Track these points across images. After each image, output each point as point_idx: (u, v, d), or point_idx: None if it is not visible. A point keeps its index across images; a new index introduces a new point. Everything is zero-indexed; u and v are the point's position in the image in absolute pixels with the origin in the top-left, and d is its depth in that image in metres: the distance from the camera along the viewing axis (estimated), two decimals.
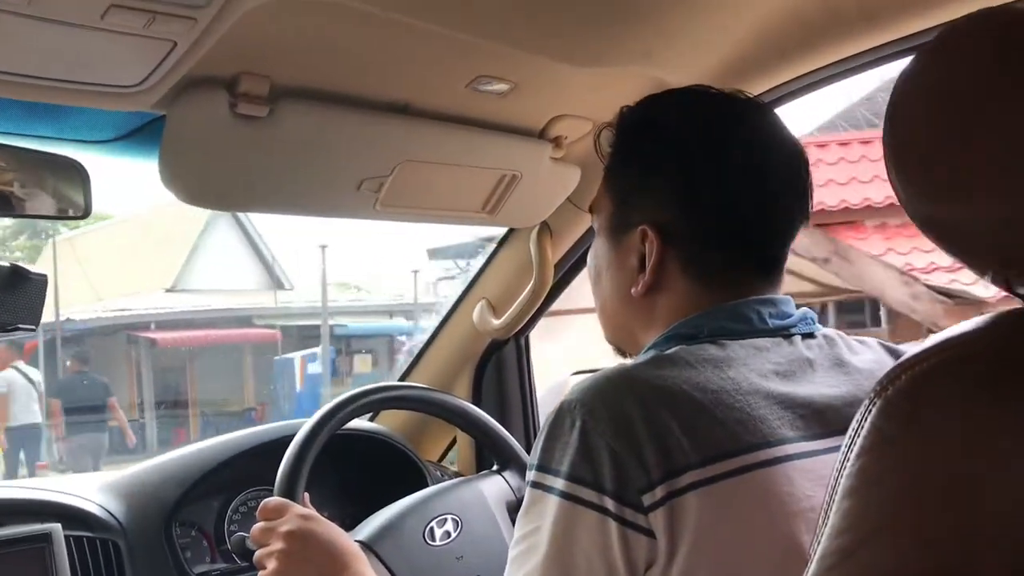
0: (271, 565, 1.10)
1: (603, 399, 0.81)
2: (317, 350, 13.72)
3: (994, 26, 0.65)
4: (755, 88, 1.28)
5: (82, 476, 1.65)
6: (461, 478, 1.54)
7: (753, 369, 0.85)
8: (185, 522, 1.47)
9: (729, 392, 0.82)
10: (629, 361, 0.90)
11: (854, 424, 0.61)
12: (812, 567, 0.61)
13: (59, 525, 1.28)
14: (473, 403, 1.66)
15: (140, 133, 1.14)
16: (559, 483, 0.79)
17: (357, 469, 1.64)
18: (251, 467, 1.50)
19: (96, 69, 0.93)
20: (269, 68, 1.07)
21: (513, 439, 1.47)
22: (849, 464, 0.60)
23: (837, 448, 0.81)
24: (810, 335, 0.93)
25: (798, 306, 0.95)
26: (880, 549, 0.58)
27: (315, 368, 13.55)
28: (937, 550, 0.57)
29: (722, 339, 0.87)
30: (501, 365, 1.83)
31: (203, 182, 1.16)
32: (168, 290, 14.98)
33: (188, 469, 1.46)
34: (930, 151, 0.65)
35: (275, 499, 1.18)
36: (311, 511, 1.16)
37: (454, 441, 1.87)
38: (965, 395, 0.58)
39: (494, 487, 1.40)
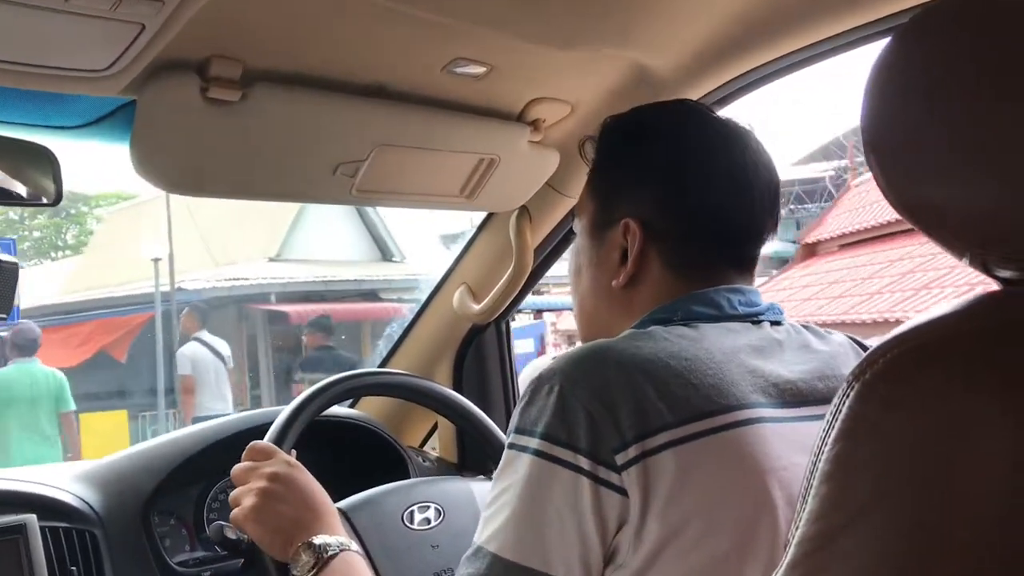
0: (248, 502, 1.09)
1: (580, 365, 0.83)
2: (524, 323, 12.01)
3: (971, 8, 0.65)
4: (734, 69, 1.27)
5: (57, 465, 1.62)
6: (453, 474, 1.53)
7: (725, 344, 0.88)
8: (163, 511, 1.46)
9: (703, 360, 0.85)
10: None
11: (831, 409, 0.60)
12: (790, 552, 0.60)
13: (34, 516, 1.26)
14: (454, 388, 1.65)
15: (111, 118, 1.12)
16: (534, 442, 0.81)
17: (338, 456, 1.63)
18: (229, 455, 1.48)
19: (63, 53, 0.91)
20: (241, 51, 1.05)
21: None
22: (827, 449, 0.59)
23: (808, 418, 0.85)
24: (777, 323, 0.97)
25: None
26: (858, 533, 0.58)
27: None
28: (915, 533, 0.57)
29: (694, 322, 0.90)
30: (482, 350, 1.83)
31: (175, 168, 1.14)
32: (272, 259, 13.54)
33: (166, 458, 1.45)
34: (907, 135, 0.64)
35: (263, 442, 1.18)
36: (296, 462, 1.16)
37: (435, 427, 1.86)
38: (943, 378, 0.57)
39: (485, 489, 1.39)
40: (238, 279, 12.77)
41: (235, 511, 1.11)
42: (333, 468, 1.60)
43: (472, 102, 1.30)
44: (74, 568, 1.28)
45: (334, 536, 1.06)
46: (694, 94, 1.32)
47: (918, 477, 0.57)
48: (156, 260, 11.36)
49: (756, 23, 1.16)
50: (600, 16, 1.12)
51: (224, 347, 7.75)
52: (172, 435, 1.56)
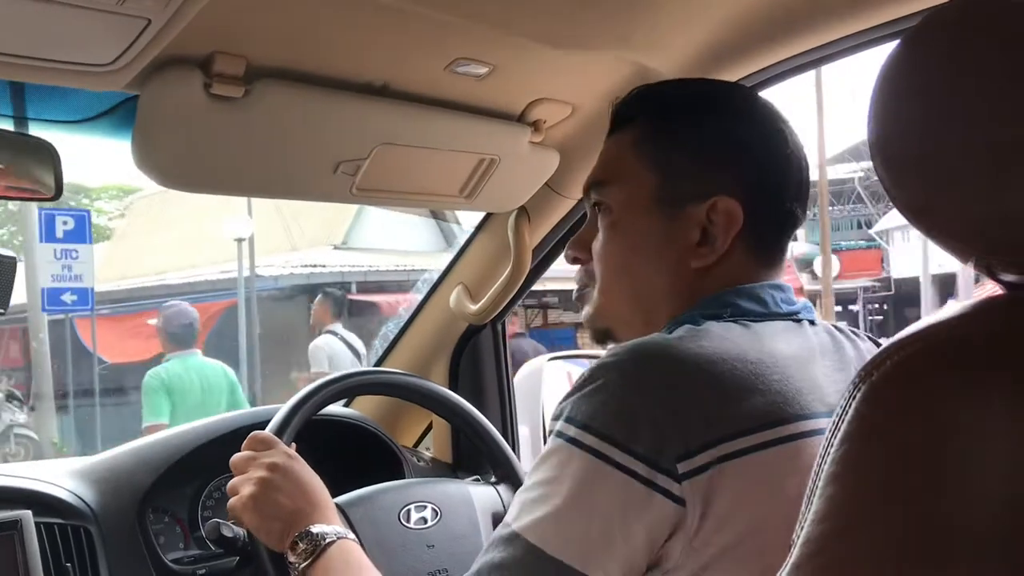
0: (246, 491, 1.09)
1: (644, 363, 0.80)
2: None
3: (979, 12, 0.65)
4: (737, 72, 1.27)
5: (52, 462, 1.62)
6: (447, 475, 1.53)
7: (782, 348, 0.85)
8: (159, 508, 1.45)
9: (767, 364, 0.81)
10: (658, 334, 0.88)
11: (838, 410, 0.61)
12: (795, 552, 0.61)
13: (29, 512, 1.25)
14: (450, 388, 1.65)
15: (113, 113, 1.12)
16: (589, 439, 0.77)
17: (333, 455, 1.62)
18: (225, 453, 1.47)
19: (67, 47, 0.91)
20: (245, 48, 1.05)
21: (514, 456, 1.45)
22: (833, 450, 0.60)
23: None
24: (812, 323, 0.95)
25: None
26: (863, 535, 0.58)
27: None
28: (920, 535, 0.57)
29: (744, 319, 0.87)
30: (477, 350, 1.82)
31: (177, 164, 1.14)
32: (337, 247, 12.75)
33: (161, 455, 1.44)
34: (914, 139, 0.64)
35: (264, 432, 1.18)
36: (295, 454, 1.16)
37: (430, 427, 1.86)
38: (950, 381, 0.58)
39: (484, 494, 1.40)
40: (315, 265, 11.57)
41: (233, 500, 1.11)
42: (328, 467, 1.60)
43: (473, 102, 1.31)
44: (69, 565, 1.28)
45: (331, 526, 1.05)
46: None
47: (923, 479, 0.57)
48: (240, 240, 10.49)
49: (759, 28, 1.16)
50: (604, 19, 1.12)
51: (358, 342, 6.98)
52: (167, 432, 1.55)
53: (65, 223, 9.63)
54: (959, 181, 0.62)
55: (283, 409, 1.27)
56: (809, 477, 0.75)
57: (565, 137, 1.46)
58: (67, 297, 9.93)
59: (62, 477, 1.39)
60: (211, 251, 12.43)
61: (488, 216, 1.67)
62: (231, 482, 1.13)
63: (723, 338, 0.83)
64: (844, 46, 1.19)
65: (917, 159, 0.64)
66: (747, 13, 1.13)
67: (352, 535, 1.07)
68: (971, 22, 0.65)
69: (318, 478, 1.14)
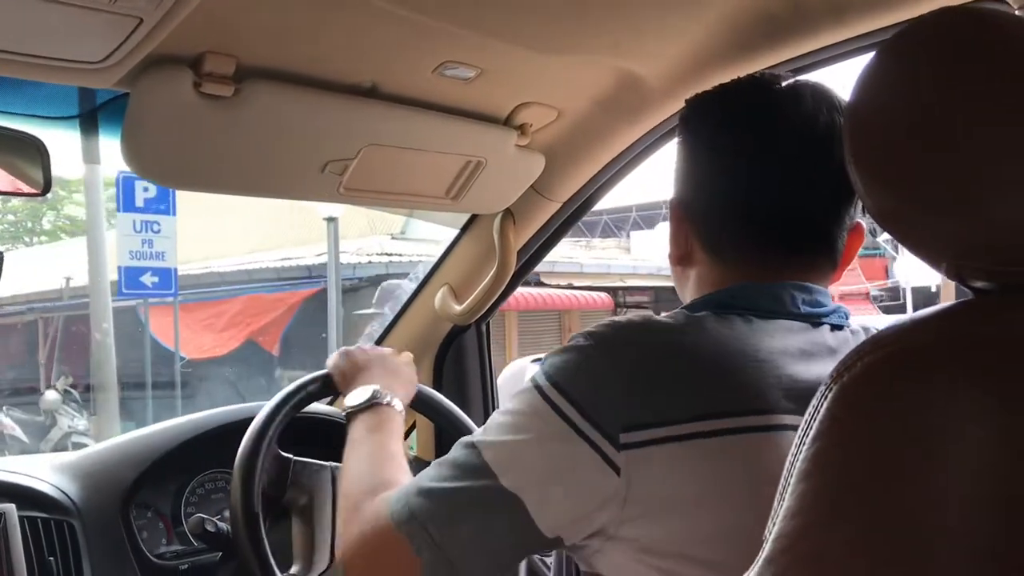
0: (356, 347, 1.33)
1: (619, 335, 0.85)
2: None
3: (953, 25, 0.67)
4: (721, 79, 1.28)
5: (37, 456, 1.62)
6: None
7: (774, 345, 0.87)
8: (142, 504, 1.46)
9: (742, 356, 0.84)
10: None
11: (810, 409, 0.62)
12: (767, 548, 0.62)
13: (13, 506, 1.26)
14: (434, 387, 1.66)
15: (103, 110, 1.13)
16: (552, 392, 0.84)
17: (318, 453, 1.63)
18: (209, 449, 1.49)
19: (59, 44, 0.92)
20: (235, 48, 1.06)
21: None
22: (805, 448, 0.61)
23: None
24: (839, 327, 0.94)
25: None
26: (833, 531, 0.60)
27: None
28: (889, 533, 0.58)
29: (751, 314, 0.89)
30: (462, 350, 1.84)
31: (166, 161, 1.15)
32: (395, 236, 11.66)
33: (146, 450, 1.45)
34: (888, 147, 0.66)
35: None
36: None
37: (413, 425, 1.87)
38: (917, 383, 0.59)
39: None
40: (391, 254, 10.66)
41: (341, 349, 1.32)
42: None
43: (461, 105, 1.32)
44: (52, 559, 1.28)
45: (396, 398, 1.19)
46: (681, 102, 1.33)
47: (891, 479, 0.59)
48: (330, 220, 9.26)
49: (744, 36, 1.18)
50: (590, 25, 1.13)
51: None
52: (152, 428, 1.56)
53: (146, 189, 8.46)
54: (927, 191, 0.63)
55: (267, 407, 1.28)
56: (755, 473, 0.79)
57: (551, 141, 1.47)
58: (147, 279, 8.65)
59: (47, 472, 1.40)
60: (268, 237, 11.39)
61: (474, 217, 1.69)
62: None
63: (710, 328, 0.86)
64: (825, 55, 1.21)
65: (889, 166, 0.66)
66: (731, 21, 1.15)
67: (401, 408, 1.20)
68: (945, 35, 0.67)
69: (412, 376, 1.34)
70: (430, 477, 0.88)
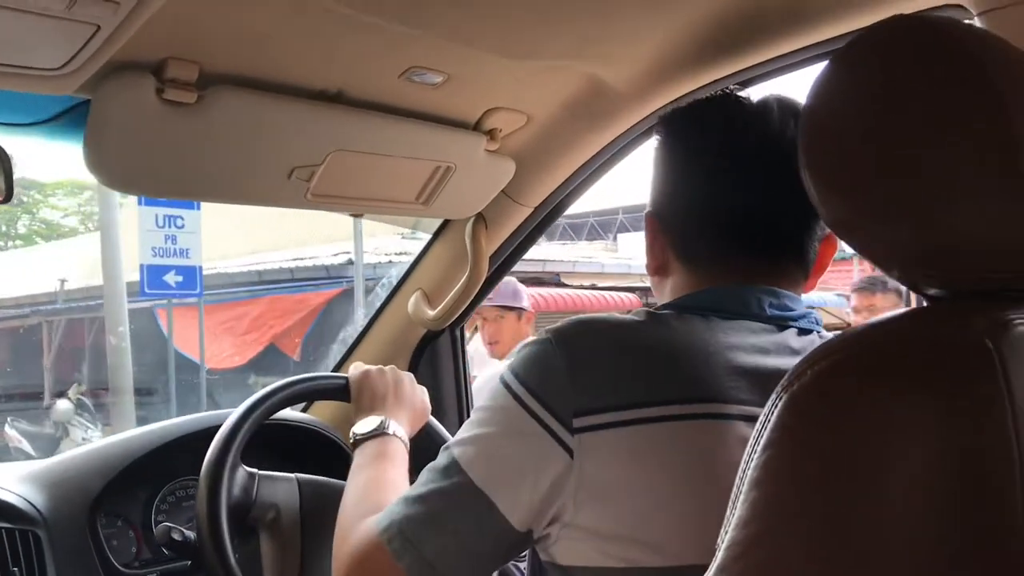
0: (373, 367, 1.36)
1: (575, 330, 0.90)
2: None
3: (904, 33, 0.67)
4: (686, 86, 1.30)
5: (3, 465, 1.60)
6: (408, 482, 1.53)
7: (729, 340, 0.89)
8: (110, 512, 1.44)
9: (693, 348, 0.88)
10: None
11: (762, 418, 0.63)
12: (719, 555, 0.62)
13: None
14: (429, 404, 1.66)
15: (65, 116, 1.12)
16: (515, 384, 0.89)
17: (289, 459, 1.62)
18: (179, 457, 1.48)
19: (16, 51, 0.91)
20: (198, 54, 1.05)
21: None
22: (756, 456, 0.61)
23: None
24: (807, 332, 0.96)
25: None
26: (784, 539, 0.60)
27: None
28: (840, 540, 0.59)
29: (714, 315, 0.92)
30: (435, 355, 1.84)
31: (129, 168, 1.14)
32: (404, 236, 11.12)
33: (114, 459, 1.44)
34: (841, 155, 0.67)
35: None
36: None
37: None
38: (867, 390, 0.60)
39: None
40: (408, 254, 10.32)
41: (364, 367, 1.37)
42: (285, 471, 1.61)
43: (429, 110, 1.32)
44: (16, 569, 1.27)
45: (402, 429, 1.24)
46: (649, 107, 1.35)
47: (841, 485, 0.59)
48: (357, 216, 8.93)
49: (707, 42, 1.18)
50: (556, 30, 1.13)
51: None
52: (120, 436, 1.55)
53: None
54: (879, 200, 0.64)
55: (235, 414, 1.27)
56: (700, 457, 0.82)
57: (521, 146, 1.47)
58: (171, 278, 8.10)
59: (11, 482, 1.38)
60: (271, 237, 10.90)
61: (446, 222, 1.68)
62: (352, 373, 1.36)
63: (665, 324, 0.90)
64: (788, 62, 1.22)
65: (842, 175, 0.66)
66: (696, 29, 1.15)
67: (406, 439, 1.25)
68: (895, 43, 0.67)
69: (425, 409, 1.37)
70: (412, 486, 0.93)
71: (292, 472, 1.41)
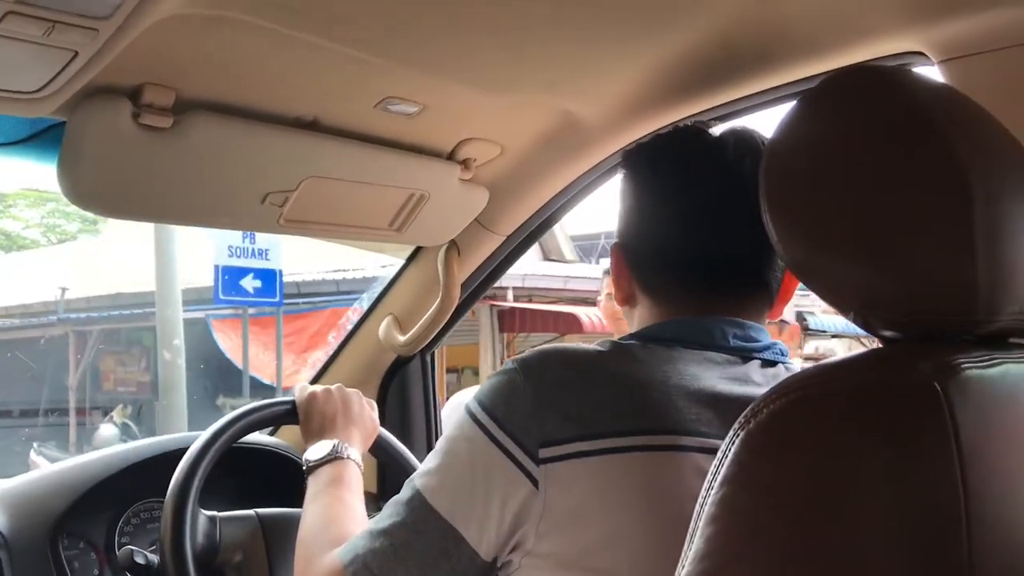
0: (319, 388, 1.34)
1: (542, 360, 0.91)
2: None
3: (863, 83, 0.70)
4: (659, 121, 1.32)
5: None
6: (371, 506, 1.53)
7: (693, 372, 0.91)
8: (73, 534, 1.43)
9: (653, 380, 0.89)
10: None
11: (719, 453, 0.64)
12: None
13: None
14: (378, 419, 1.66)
15: (40, 137, 1.12)
16: (480, 412, 0.90)
17: (257, 483, 1.62)
18: (144, 479, 1.47)
19: None
20: (174, 80, 1.06)
21: None
22: (713, 492, 0.63)
23: None
24: (772, 363, 0.97)
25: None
26: (739, 574, 0.62)
27: None
28: (789, 574, 0.60)
29: (679, 345, 0.93)
30: (405, 381, 1.84)
31: (103, 191, 1.14)
32: (546, 258, 10.77)
33: (78, 480, 1.43)
34: (800, 198, 0.69)
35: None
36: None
37: None
38: (821, 429, 0.61)
39: None
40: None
41: (309, 388, 1.35)
42: (254, 494, 1.60)
43: (403, 139, 1.33)
44: None
45: (355, 451, 1.23)
46: (622, 141, 1.37)
47: (792, 522, 0.61)
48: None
49: (678, 79, 1.21)
50: (528, 66, 1.16)
51: None
52: (85, 458, 1.53)
53: None
54: (836, 243, 0.66)
55: (202, 437, 1.27)
56: (661, 489, 0.84)
57: (495, 175, 1.49)
58: (249, 283, 7.12)
59: None
60: (319, 248, 9.93)
61: (419, 249, 1.70)
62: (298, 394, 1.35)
63: (629, 355, 0.92)
64: (757, 101, 1.25)
65: (802, 216, 0.68)
66: (665, 66, 1.18)
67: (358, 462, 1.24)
68: (854, 93, 0.69)
69: (374, 426, 1.36)
70: (376, 519, 0.93)
71: (254, 501, 1.41)
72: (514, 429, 0.87)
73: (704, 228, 0.97)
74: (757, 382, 0.93)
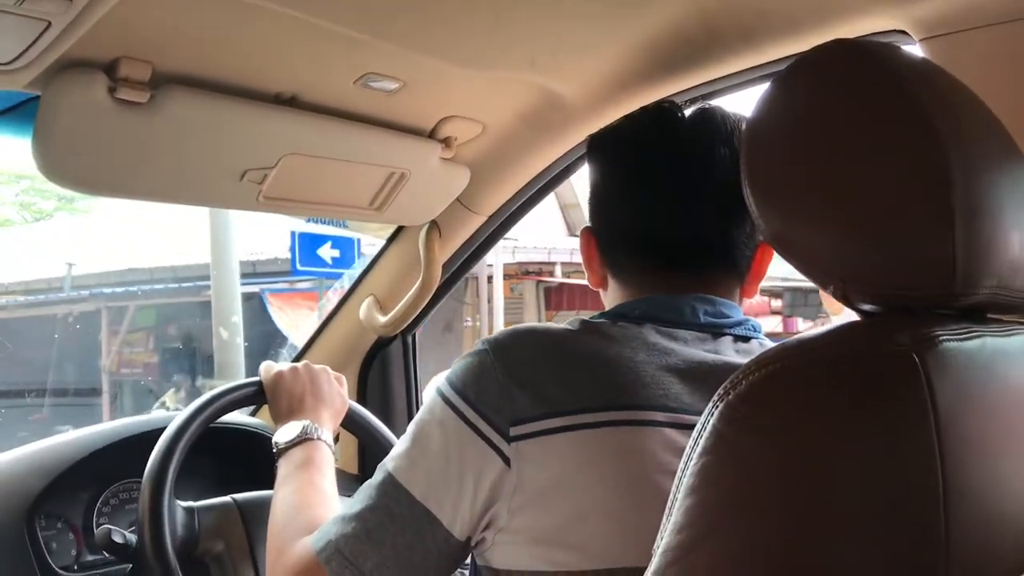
0: (286, 366, 1.32)
1: (511, 340, 0.91)
2: None
3: (842, 56, 0.70)
4: (640, 100, 1.31)
5: None
6: (353, 486, 1.53)
7: (660, 347, 0.91)
8: (51, 514, 1.42)
9: (622, 358, 0.89)
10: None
11: (698, 427, 0.64)
12: (655, 561, 0.64)
13: None
14: (358, 400, 1.66)
15: (14, 112, 1.11)
16: (451, 393, 0.90)
17: (237, 464, 1.61)
18: (123, 458, 1.46)
19: None
20: (151, 54, 1.05)
21: None
22: (692, 463, 0.63)
23: None
24: (745, 339, 0.98)
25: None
26: (718, 545, 0.61)
27: None
28: (773, 547, 0.60)
29: (649, 323, 0.93)
30: (386, 362, 1.83)
31: (78, 166, 1.13)
32: (572, 234, 10.20)
33: (55, 460, 1.42)
34: (780, 172, 0.68)
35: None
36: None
37: (337, 437, 1.86)
38: (800, 400, 0.61)
39: None
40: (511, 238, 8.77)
41: (276, 367, 1.33)
42: (231, 475, 1.59)
43: (384, 116, 1.32)
44: None
45: (326, 431, 1.23)
46: (603, 121, 1.36)
47: (774, 493, 0.61)
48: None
49: (659, 58, 1.20)
50: (508, 42, 1.15)
51: None
52: (62, 437, 1.52)
53: None
54: (815, 216, 0.66)
55: (180, 416, 1.27)
56: (632, 462, 0.84)
57: (476, 154, 1.48)
58: (326, 252, 6.37)
59: None
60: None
61: (400, 229, 1.69)
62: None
63: (599, 333, 0.92)
64: (741, 79, 1.25)
65: (780, 190, 0.68)
66: (647, 44, 1.17)
67: (331, 443, 1.24)
68: (833, 66, 0.69)
69: (343, 402, 1.35)
70: (349, 504, 0.92)
71: (235, 483, 1.41)
72: (485, 408, 0.87)
73: (666, 209, 0.98)
74: (729, 356, 0.94)
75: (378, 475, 0.92)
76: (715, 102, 1.32)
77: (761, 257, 1.01)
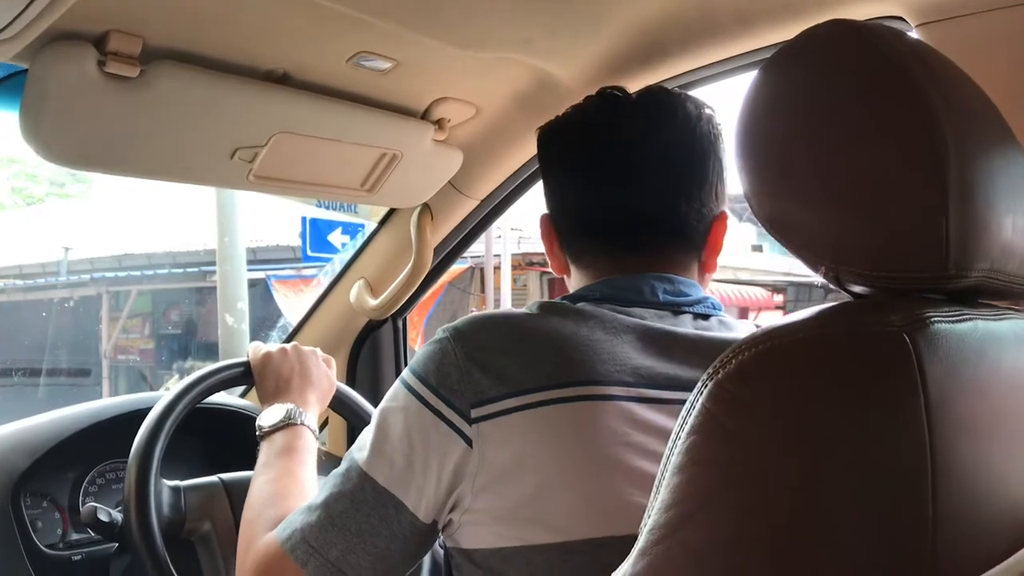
0: (274, 347, 1.31)
1: (470, 326, 0.92)
2: None
3: (838, 37, 0.69)
4: (636, 84, 1.31)
5: None
6: None
7: (617, 324, 0.92)
8: (36, 493, 1.41)
9: (579, 336, 0.90)
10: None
11: (687, 405, 0.63)
12: (641, 539, 0.63)
13: None
14: (347, 383, 1.65)
15: (1, 84, 1.09)
16: (413, 380, 0.91)
17: (224, 444, 1.61)
18: (110, 438, 1.45)
19: None
20: (141, 28, 1.04)
21: None
22: (680, 442, 0.62)
23: (658, 401, 0.88)
24: (704, 316, 0.99)
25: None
26: (705, 523, 0.61)
27: None
28: (761, 526, 0.60)
29: (607, 304, 0.94)
30: (377, 345, 1.83)
31: (66, 140, 1.11)
32: (756, 247, 10.62)
33: (41, 438, 1.41)
34: (772, 153, 0.68)
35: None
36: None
37: (326, 421, 1.86)
38: (790, 378, 0.61)
39: None
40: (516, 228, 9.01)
41: (264, 348, 1.32)
42: (219, 456, 1.59)
43: (377, 96, 1.31)
44: None
45: (311, 415, 1.22)
46: None
47: (763, 471, 0.60)
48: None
49: (656, 42, 1.19)
50: (502, 22, 1.14)
51: None
52: (51, 415, 1.51)
53: None
54: (806, 198, 0.65)
55: (167, 396, 1.26)
56: (580, 437, 0.85)
57: (469, 137, 1.48)
58: (337, 238, 6.41)
59: None
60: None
61: (392, 211, 1.68)
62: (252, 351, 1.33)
63: (557, 314, 0.93)
64: (737, 64, 1.24)
65: (773, 172, 0.68)
66: (644, 28, 1.17)
67: (314, 431, 1.22)
68: (829, 47, 0.69)
69: (330, 384, 1.34)
70: (315, 495, 0.93)
71: (222, 464, 1.40)
72: (446, 393, 0.88)
73: (612, 191, 1.00)
74: (690, 334, 0.95)
75: (344, 464, 0.93)
76: (711, 87, 1.34)
77: (717, 228, 1.03)
